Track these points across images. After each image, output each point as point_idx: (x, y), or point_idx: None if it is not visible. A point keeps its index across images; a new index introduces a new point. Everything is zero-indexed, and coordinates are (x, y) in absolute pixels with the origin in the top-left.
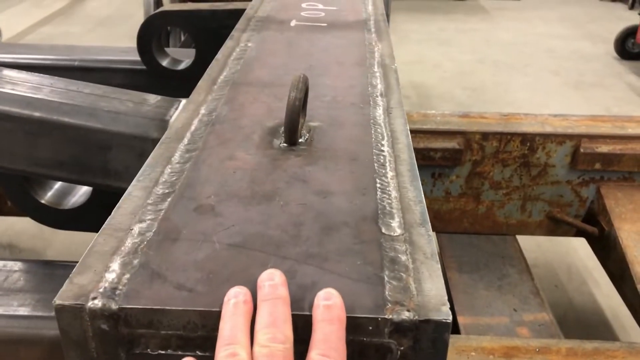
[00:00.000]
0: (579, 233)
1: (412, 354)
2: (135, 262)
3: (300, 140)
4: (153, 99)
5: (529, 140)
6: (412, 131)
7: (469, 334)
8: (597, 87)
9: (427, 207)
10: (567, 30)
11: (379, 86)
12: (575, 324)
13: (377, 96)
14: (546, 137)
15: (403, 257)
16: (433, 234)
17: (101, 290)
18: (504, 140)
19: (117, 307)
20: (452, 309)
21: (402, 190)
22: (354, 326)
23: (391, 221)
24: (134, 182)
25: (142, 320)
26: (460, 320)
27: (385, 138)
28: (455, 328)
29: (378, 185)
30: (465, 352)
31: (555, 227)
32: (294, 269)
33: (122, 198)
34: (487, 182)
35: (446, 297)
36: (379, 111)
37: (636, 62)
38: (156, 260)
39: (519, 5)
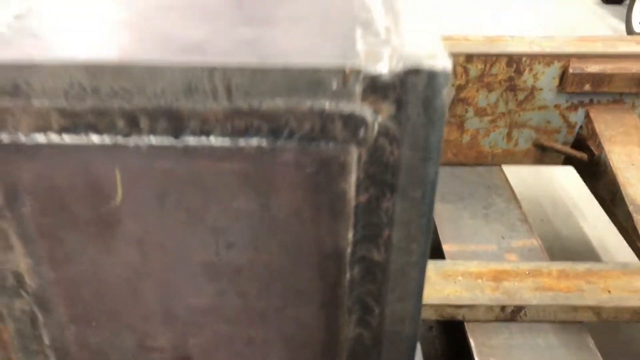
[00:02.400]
0: (567, 161)
1: (396, 126)
2: (5, 23)
3: None
4: None
5: (515, 61)
6: None
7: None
8: (577, 30)
9: None
10: None
11: None
12: (562, 255)
13: None
14: (533, 57)
15: (382, 17)
16: None
17: None
18: (489, 62)
19: None
20: (436, 238)
21: None
22: (312, 85)
23: None
24: None
25: (4, 85)
26: (446, 247)
27: None
28: (440, 255)
29: None
30: (452, 276)
31: (543, 155)
32: (228, 28)
33: None
34: (471, 109)
35: (443, 47)
36: None
37: (618, 5)
38: (34, 21)
39: None
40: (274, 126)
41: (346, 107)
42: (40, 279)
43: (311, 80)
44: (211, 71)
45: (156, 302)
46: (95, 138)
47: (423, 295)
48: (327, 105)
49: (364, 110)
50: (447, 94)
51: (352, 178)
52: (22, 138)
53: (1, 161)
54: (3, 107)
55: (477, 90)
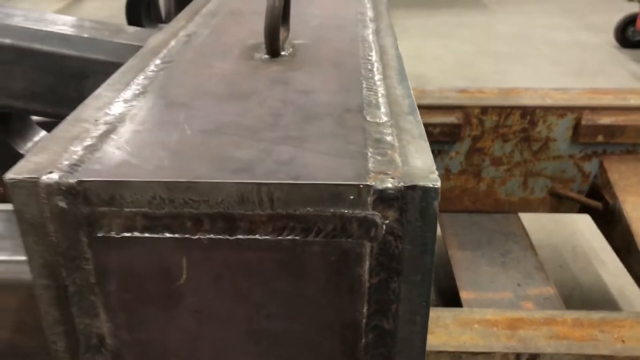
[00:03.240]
0: (582, 209)
1: (399, 227)
2: (99, 145)
3: (283, 54)
4: (132, 29)
5: (529, 113)
6: None
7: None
8: (598, 75)
9: None
10: (568, 22)
11: (369, 13)
12: (581, 303)
13: (366, 20)
14: (547, 109)
15: (389, 138)
16: None
17: (59, 165)
18: (503, 114)
19: (76, 180)
20: (454, 285)
21: (390, 89)
22: (334, 197)
23: (377, 111)
24: (103, 85)
25: (103, 196)
26: (463, 295)
27: (374, 50)
28: (458, 303)
29: (364, 85)
30: (469, 324)
31: (558, 203)
32: (269, 148)
33: (88, 97)
34: (487, 158)
35: (435, 168)
36: (368, 31)
37: (637, 50)
38: (121, 143)
39: None
40: (305, 226)
41: (360, 213)
42: (117, 340)
43: (334, 193)
44: (259, 187)
45: None
46: (168, 234)
47: (425, 356)
48: (346, 211)
49: (374, 216)
50: (437, 204)
51: (366, 265)
52: (113, 234)
53: (96, 251)
54: (101, 212)
55: (493, 141)
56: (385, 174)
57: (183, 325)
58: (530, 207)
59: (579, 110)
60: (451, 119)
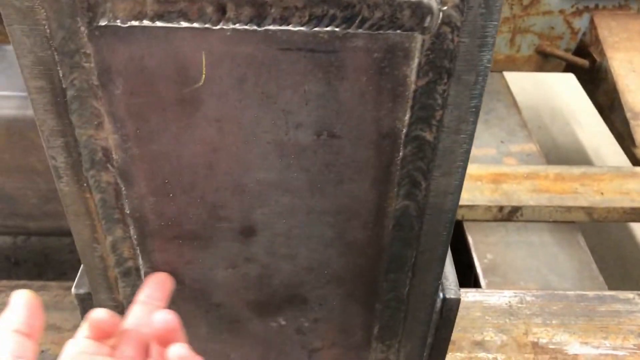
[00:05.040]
0: (568, 68)
1: (458, 15)
2: None
3: None
4: None
5: None
6: None
7: None
8: None
9: None
10: None
11: None
12: (558, 161)
13: None
14: None
15: None
16: None
17: None
18: None
19: None
20: None
21: None
22: None
23: None
24: None
25: None
26: None
27: None
28: None
29: None
30: None
31: (544, 62)
32: None
33: None
34: None
35: None
36: None
37: None
38: None
39: None
40: (348, 14)
41: None
42: (125, 154)
43: None
44: None
45: (228, 176)
46: (185, 24)
47: (465, 172)
48: None
49: (431, 0)
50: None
51: (414, 63)
52: (118, 22)
53: (98, 45)
54: None
55: None
56: None
57: (201, 136)
58: (516, 66)
59: None
60: None
